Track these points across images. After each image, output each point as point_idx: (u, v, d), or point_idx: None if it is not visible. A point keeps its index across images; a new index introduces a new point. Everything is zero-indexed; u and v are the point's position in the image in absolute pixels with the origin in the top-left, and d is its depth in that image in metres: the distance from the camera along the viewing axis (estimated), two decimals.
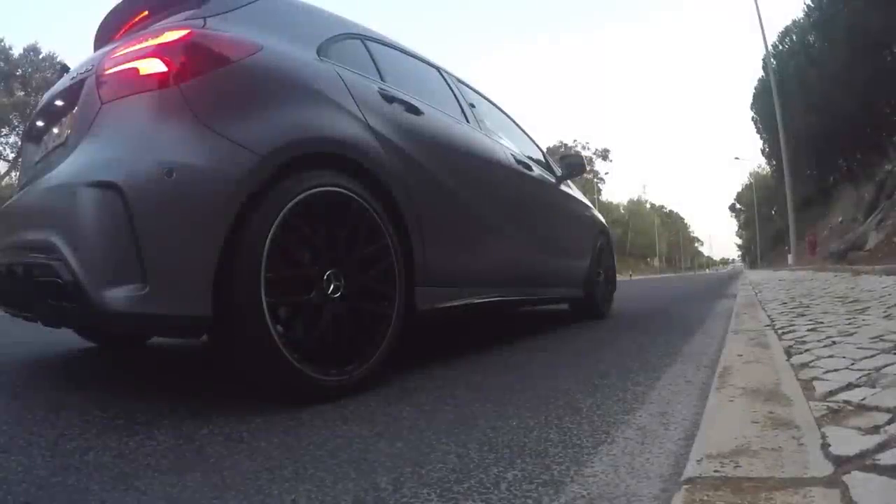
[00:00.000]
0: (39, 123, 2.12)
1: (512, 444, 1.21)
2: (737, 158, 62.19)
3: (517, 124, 3.88)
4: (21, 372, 2.15)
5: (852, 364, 1.57)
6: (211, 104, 1.51)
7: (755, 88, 35.12)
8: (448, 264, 2.27)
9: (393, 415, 1.47)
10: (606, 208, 58.42)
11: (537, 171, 3.50)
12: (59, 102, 1.90)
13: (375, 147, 1.91)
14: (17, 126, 21.07)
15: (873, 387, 1.30)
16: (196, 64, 1.53)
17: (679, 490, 0.82)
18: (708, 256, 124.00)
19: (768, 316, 3.18)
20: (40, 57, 22.14)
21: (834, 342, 1.98)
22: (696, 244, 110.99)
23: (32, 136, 2.19)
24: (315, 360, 1.58)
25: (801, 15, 26.12)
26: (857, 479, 0.79)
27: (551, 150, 52.94)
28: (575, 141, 54.88)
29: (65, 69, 2.22)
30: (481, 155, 2.77)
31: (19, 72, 21.43)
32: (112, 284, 1.31)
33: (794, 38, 27.81)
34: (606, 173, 56.00)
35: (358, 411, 1.50)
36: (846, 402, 1.20)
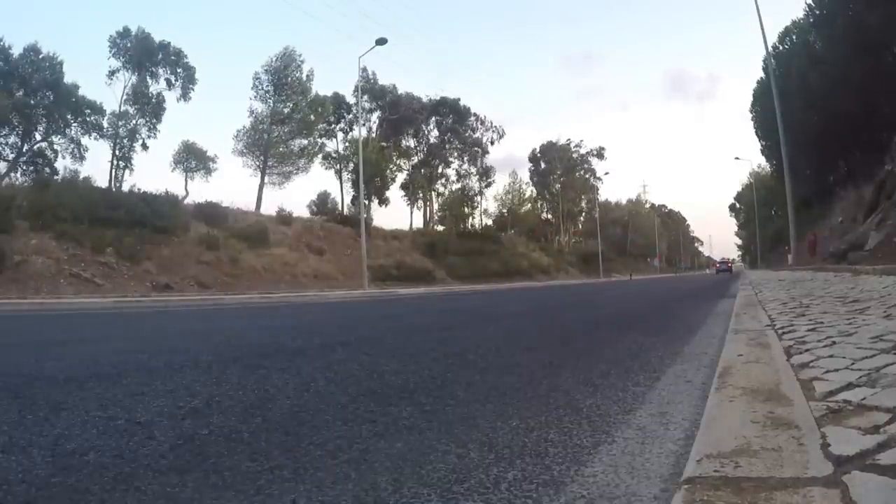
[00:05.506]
0: None
1: (512, 444, 1.21)
2: (737, 158, 61.96)
3: None
4: (22, 372, 2.15)
5: (852, 364, 1.57)
6: None
7: (755, 90, 35.10)
8: None
9: (393, 415, 1.47)
10: (606, 208, 58.25)
11: None
12: None
13: None
14: (17, 126, 21.02)
15: (873, 387, 1.29)
16: None
17: (679, 490, 0.82)
18: (708, 256, 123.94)
19: (768, 316, 3.18)
20: (40, 57, 22.10)
21: (834, 342, 1.98)
22: (696, 244, 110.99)
23: None
24: None
25: (801, 15, 26.12)
26: (856, 479, 0.79)
27: (544, 148, 52.66)
28: (569, 140, 54.40)
29: None
30: None
31: (19, 71, 21.39)
32: None
33: (795, 38, 27.79)
34: (606, 173, 55.50)
35: (358, 411, 1.50)
36: (846, 401, 1.19)
